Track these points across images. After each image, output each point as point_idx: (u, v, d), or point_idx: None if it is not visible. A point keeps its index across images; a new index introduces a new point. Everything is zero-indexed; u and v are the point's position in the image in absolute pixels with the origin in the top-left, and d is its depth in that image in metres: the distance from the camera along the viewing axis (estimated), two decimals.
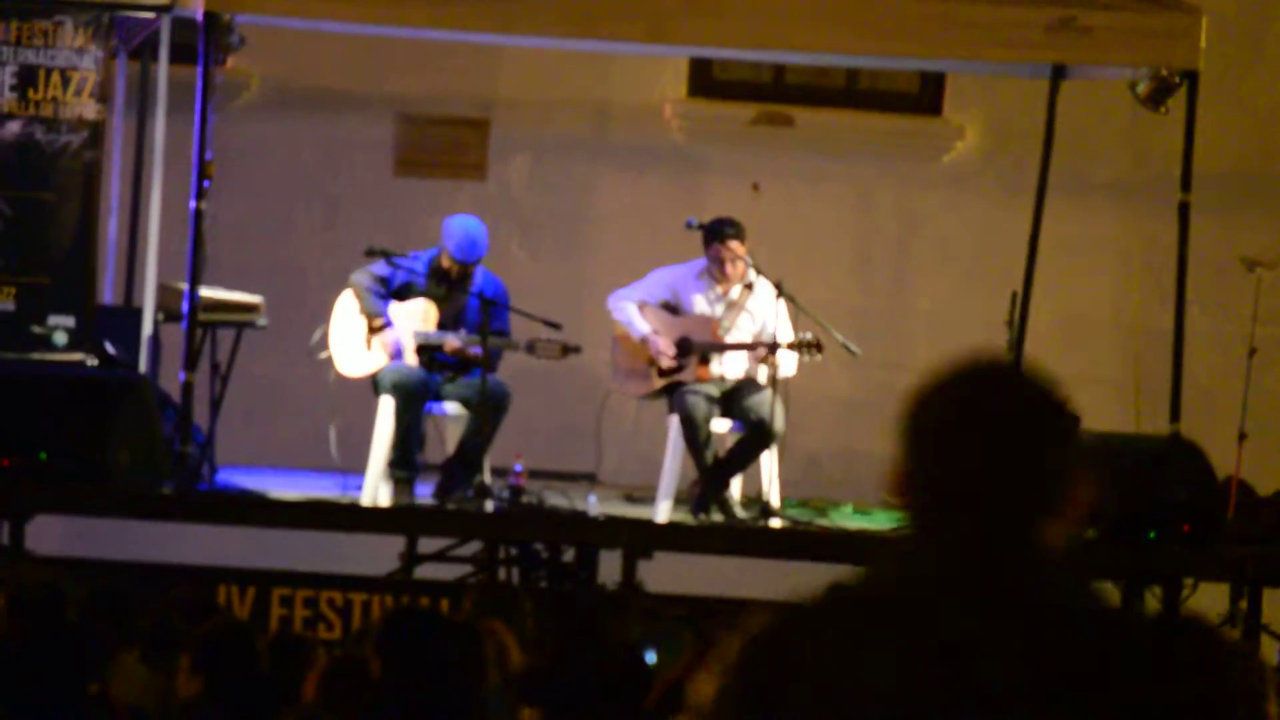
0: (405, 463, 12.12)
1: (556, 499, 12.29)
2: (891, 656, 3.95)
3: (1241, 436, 12.31)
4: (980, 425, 3.95)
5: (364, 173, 14.04)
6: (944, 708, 3.94)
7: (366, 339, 12.24)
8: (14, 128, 12.10)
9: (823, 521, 12.54)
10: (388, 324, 12.18)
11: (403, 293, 12.27)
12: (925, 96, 14.70)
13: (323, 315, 12.34)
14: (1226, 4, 12.60)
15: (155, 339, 12.09)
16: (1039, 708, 3.91)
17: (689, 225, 12.33)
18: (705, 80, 14.54)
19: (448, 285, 12.31)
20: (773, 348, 12.17)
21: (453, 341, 12.19)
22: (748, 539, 11.99)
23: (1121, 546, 11.83)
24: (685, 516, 12.12)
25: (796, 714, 4.04)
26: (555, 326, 12.21)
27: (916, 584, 3.99)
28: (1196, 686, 4.77)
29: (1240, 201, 13.13)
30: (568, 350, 12.13)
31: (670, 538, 11.92)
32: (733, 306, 12.25)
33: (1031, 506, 3.92)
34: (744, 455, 12.22)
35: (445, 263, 12.26)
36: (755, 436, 12.10)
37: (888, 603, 4.01)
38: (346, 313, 12.28)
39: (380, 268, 12.27)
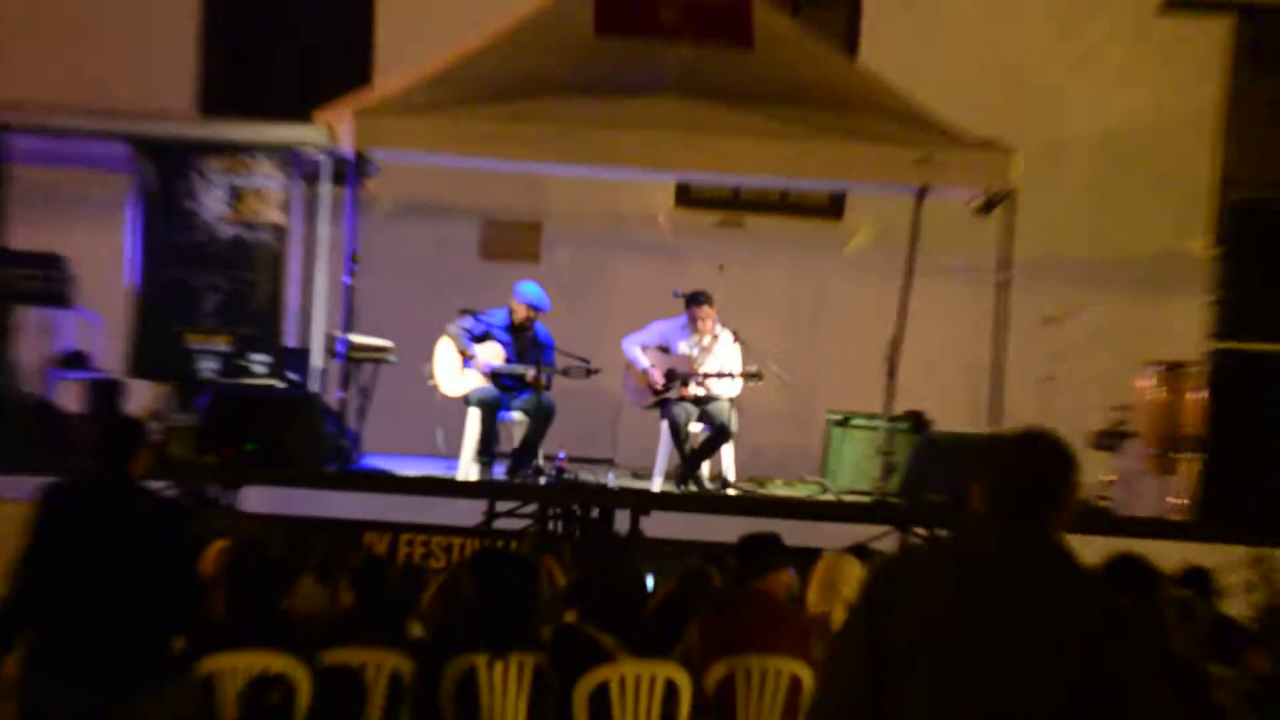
0: (486, 452, 12.42)
1: (586, 476, 12.50)
2: (954, 588, 4.53)
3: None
4: (1026, 466, 4.55)
5: (458, 258, 14.30)
6: (983, 616, 4.46)
7: (460, 370, 12.48)
8: (229, 230, 12.37)
9: (762, 491, 12.79)
10: (473, 354, 12.46)
11: (480, 338, 12.56)
12: (832, 206, 14.98)
13: (430, 355, 12.59)
14: (1033, 143, 12.66)
15: (322, 370, 12.36)
16: (1039, 615, 4.43)
17: (676, 294, 12.68)
18: (685, 195, 14.84)
19: (517, 331, 12.59)
20: (731, 376, 12.49)
21: (531, 372, 12.44)
22: (713, 502, 12.26)
23: (955, 509, 11.70)
24: (671, 488, 12.41)
25: (898, 620, 4.55)
26: (585, 361, 12.46)
27: (977, 548, 4.58)
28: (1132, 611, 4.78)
29: (1041, 278, 13.32)
30: (590, 372, 12.42)
31: (662, 501, 12.19)
32: (704, 349, 12.56)
33: (1047, 512, 4.54)
34: (710, 447, 12.51)
35: (520, 314, 12.51)
36: (718, 435, 12.45)
37: (958, 557, 4.65)
38: (443, 353, 12.53)
39: (465, 322, 12.50)
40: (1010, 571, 4.48)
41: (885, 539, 12.49)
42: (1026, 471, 4.53)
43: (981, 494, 4.57)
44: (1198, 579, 9.95)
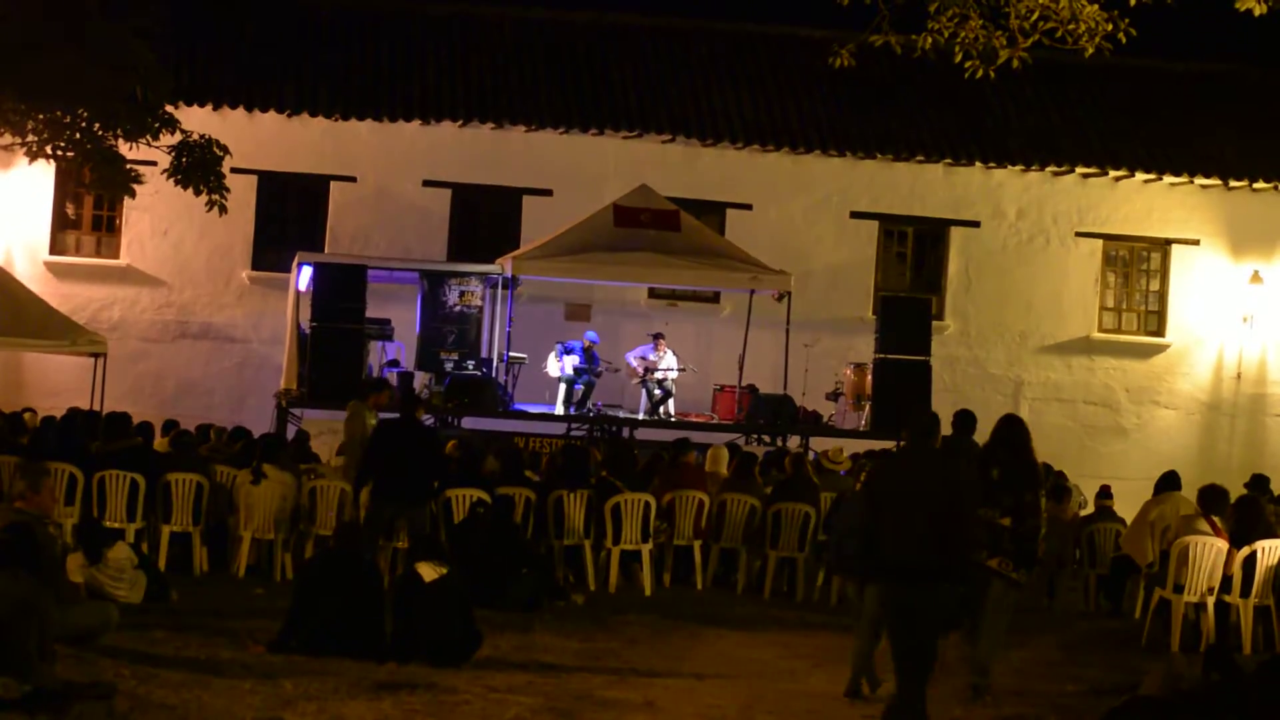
0: (566, 402, 12.17)
1: (610, 412, 12.24)
2: (900, 469, 4.52)
3: (803, 394, 12.19)
4: (921, 421, 4.52)
5: (558, 321, 13.51)
6: (907, 476, 4.42)
7: (557, 366, 12.24)
8: (458, 308, 12.22)
9: (686, 419, 12.39)
10: (561, 361, 12.20)
11: (567, 353, 12.26)
12: (715, 297, 14.20)
13: (545, 360, 12.23)
14: (798, 271, 12.44)
15: (496, 367, 12.03)
16: (933, 480, 4.33)
17: (649, 335, 12.57)
18: (653, 292, 14.12)
19: (585, 352, 12.37)
20: (672, 370, 12.31)
21: (587, 367, 12.14)
22: (664, 423, 11.95)
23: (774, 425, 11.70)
24: (646, 417, 12.21)
25: (879, 481, 4.57)
26: (610, 364, 12.33)
27: (906, 453, 4.53)
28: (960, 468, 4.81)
29: (804, 328, 12.47)
30: (615, 370, 12.33)
31: (642, 424, 12.01)
32: (661, 358, 12.39)
33: (929, 436, 4.49)
34: (663, 400, 12.31)
35: (585, 344, 12.32)
36: (666, 395, 12.27)
37: (902, 455, 4.61)
38: (551, 360, 12.25)
39: (559, 347, 12.21)
40: (917, 459, 4.62)
41: (739, 439, 12.15)
42: (922, 423, 4.70)
43: (907, 432, 4.78)
44: (871, 455, 9.72)
